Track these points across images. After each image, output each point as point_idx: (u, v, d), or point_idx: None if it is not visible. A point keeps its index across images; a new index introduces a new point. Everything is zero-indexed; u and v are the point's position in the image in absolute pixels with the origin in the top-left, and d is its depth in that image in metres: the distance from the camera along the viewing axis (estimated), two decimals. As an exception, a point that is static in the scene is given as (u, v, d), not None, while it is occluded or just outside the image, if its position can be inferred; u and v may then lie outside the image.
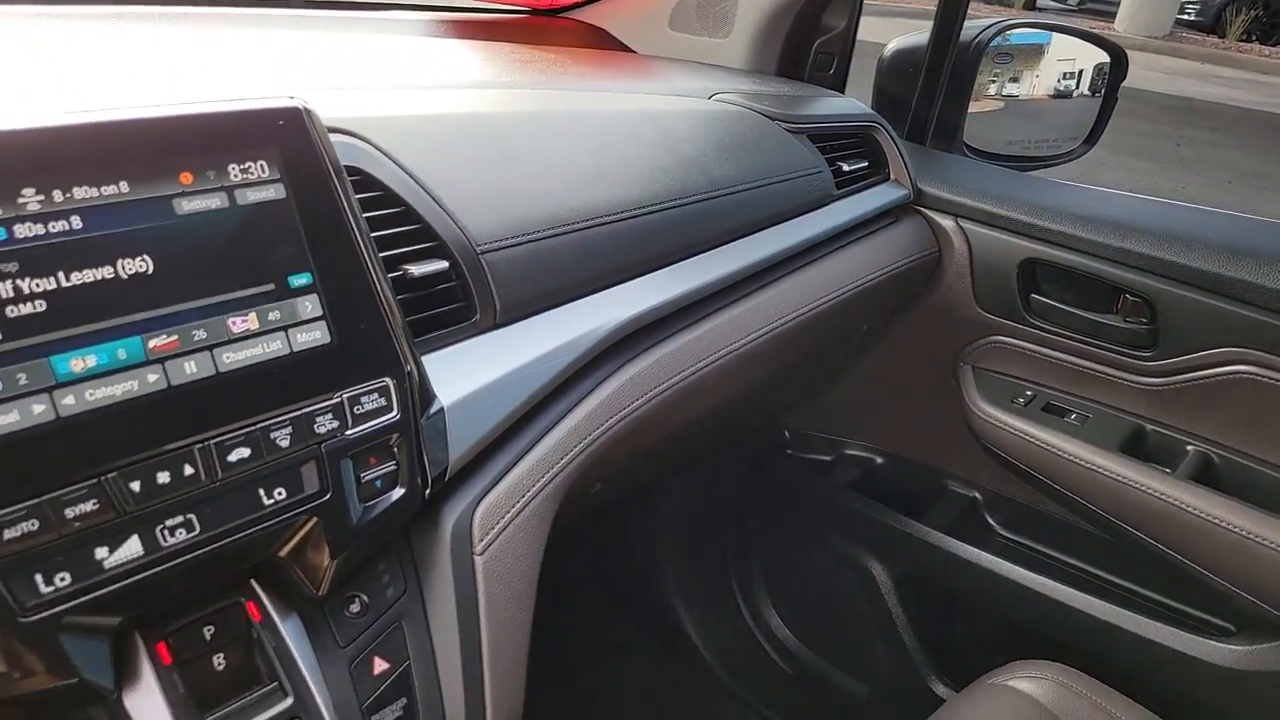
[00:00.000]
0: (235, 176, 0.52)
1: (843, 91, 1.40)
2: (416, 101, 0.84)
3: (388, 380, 0.58)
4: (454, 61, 1.14)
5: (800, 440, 1.59)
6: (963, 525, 1.40)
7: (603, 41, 1.49)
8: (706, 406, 0.97)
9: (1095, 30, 1.64)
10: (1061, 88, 1.61)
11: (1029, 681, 0.98)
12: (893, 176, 1.28)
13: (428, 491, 0.60)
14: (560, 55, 1.26)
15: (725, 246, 0.95)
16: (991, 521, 1.43)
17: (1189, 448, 1.18)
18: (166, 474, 0.48)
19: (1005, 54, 1.53)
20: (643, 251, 0.85)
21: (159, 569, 0.48)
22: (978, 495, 1.44)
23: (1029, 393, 1.29)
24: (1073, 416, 1.25)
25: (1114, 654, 1.19)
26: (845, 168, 1.17)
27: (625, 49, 1.50)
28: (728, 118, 1.08)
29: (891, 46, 1.46)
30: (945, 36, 1.36)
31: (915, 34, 1.44)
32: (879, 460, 1.55)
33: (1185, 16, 12.42)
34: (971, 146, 1.50)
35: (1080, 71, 1.59)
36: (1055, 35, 1.58)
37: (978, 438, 1.32)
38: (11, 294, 0.44)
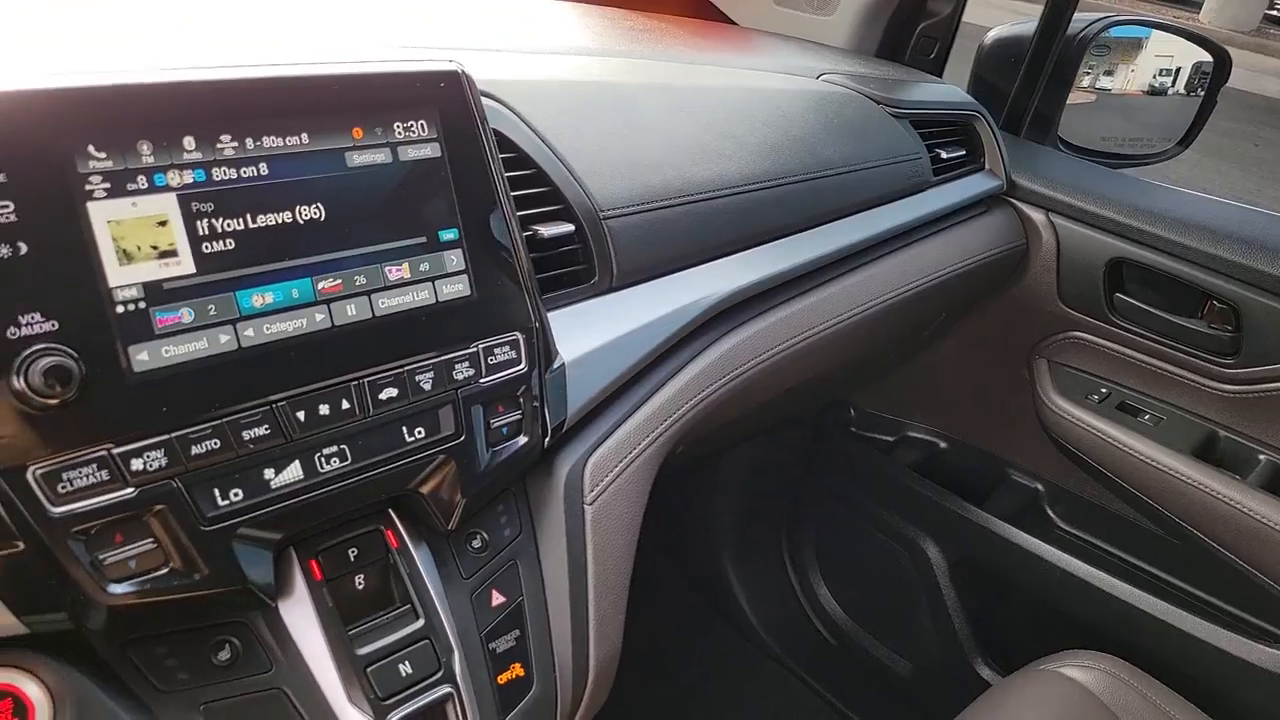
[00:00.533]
0: (399, 134, 0.56)
1: (941, 77, 1.40)
2: (545, 66, 0.87)
3: (518, 335, 0.61)
4: (569, 26, 1.15)
5: (864, 418, 1.60)
6: (1022, 515, 1.41)
7: (704, 11, 1.50)
8: (788, 383, 1.00)
9: (1195, 28, 1.61)
10: (1156, 84, 1.59)
11: (1080, 670, 1.00)
12: (988, 166, 1.28)
13: (547, 441, 0.64)
14: (670, 25, 1.27)
15: (824, 227, 0.97)
16: (1052, 514, 1.44)
17: (1261, 456, 1.18)
18: (326, 406, 0.52)
19: (1102, 46, 1.51)
20: (748, 227, 0.87)
21: (315, 494, 0.52)
22: (1040, 487, 1.45)
23: (1103, 390, 1.30)
24: (1146, 417, 1.26)
25: (1165, 651, 1.20)
26: (944, 155, 1.18)
27: (727, 20, 1.51)
28: (836, 99, 1.09)
29: (993, 35, 1.45)
30: (1053, 28, 1.35)
31: (1018, 23, 1.43)
32: (942, 444, 1.56)
33: (1275, 12, 11.95)
34: (1064, 140, 1.49)
35: (1177, 70, 1.56)
36: (1155, 31, 1.56)
37: (1047, 430, 1.33)
38: (207, 231, 0.48)
